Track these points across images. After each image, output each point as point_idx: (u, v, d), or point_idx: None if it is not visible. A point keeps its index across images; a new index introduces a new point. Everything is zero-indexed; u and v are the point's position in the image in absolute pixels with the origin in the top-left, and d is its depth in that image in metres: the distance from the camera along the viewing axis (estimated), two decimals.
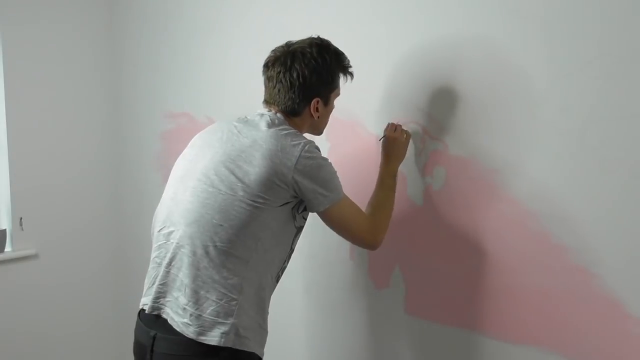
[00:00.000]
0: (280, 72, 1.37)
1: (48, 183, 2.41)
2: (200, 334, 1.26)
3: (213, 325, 1.26)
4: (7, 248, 2.32)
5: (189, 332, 1.27)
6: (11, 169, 2.29)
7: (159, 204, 1.44)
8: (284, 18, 1.83)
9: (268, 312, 1.39)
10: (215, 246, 1.27)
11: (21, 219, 2.33)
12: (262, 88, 1.44)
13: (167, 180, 1.45)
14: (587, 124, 1.25)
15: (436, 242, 1.53)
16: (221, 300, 1.27)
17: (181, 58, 2.24)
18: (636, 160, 1.19)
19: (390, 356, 1.66)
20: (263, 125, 1.34)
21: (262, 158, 1.28)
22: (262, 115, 1.39)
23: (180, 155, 1.46)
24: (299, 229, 1.41)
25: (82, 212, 2.54)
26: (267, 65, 1.41)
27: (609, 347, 1.24)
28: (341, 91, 1.48)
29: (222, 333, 1.26)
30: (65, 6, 2.43)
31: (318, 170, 1.31)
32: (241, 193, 1.27)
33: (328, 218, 1.37)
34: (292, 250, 1.43)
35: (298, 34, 1.47)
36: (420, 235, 1.56)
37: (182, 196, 1.35)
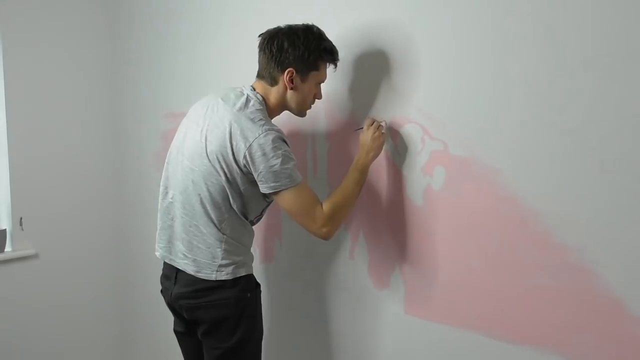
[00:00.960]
0: (266, 40, 1.54)
1: (48, 183, 2.42)
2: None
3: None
4: (7, 248, 2.32)
5: None
6: (11, 169, 2.29)
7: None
8: (286, 19, 1.83)
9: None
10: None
11: (21, 219, 2.33)
12: None
13: None
14: (587, 124, 1.25)
15: (436, 242, 1.53)
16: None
17: (182, 58, 2.24)
18: (636, 160, 1.19)
19: (391, 356, 1.66)
20: (236, 106, 1.51)
21: (222, 136, 1.47)
22: (242, 94, 1.55)
23: (180, 126, 1.66)
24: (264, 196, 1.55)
25: (82, 212, 2.54)
26: (260, 37, 1.57)
27: (609, 347, 1.25)
28: (327, 78, 1.58)
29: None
30: (65, 6, 2.44)
31: (268, 156, 1.43)
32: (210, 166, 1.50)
33: (279, 202, 1.50)
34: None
35: None
36: (420, 235, 1.56)
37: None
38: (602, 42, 1.22)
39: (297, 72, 1.51)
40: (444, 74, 1.48)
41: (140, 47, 2.44)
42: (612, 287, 1.23)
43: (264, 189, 1.47)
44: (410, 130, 1.56)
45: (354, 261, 1.73)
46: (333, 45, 1.55)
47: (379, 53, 1.61)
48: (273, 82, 1.54)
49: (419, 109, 1.54)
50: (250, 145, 1.43)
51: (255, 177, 1.47)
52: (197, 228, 1.53)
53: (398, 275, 1.62)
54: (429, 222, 1.54)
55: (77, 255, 2.53)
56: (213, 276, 1.52)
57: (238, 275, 1.54)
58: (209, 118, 1.53)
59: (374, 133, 1.55)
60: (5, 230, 2.30)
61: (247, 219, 1.57)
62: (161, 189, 1.64)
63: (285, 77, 1.51)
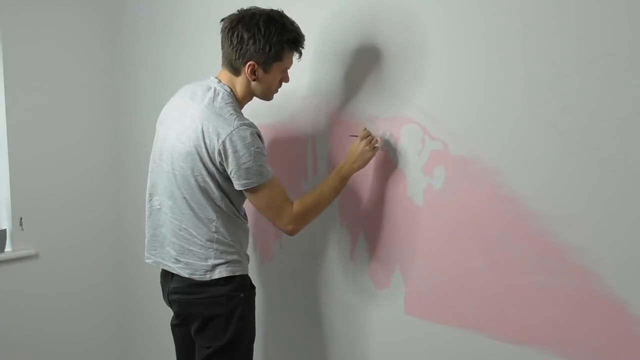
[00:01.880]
0: (227, 28, 1.48)
1: (48, 183, 2.42)
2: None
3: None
4: (7, 248, 2.32)
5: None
6: (11, 169, 2.29)
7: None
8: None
9: None
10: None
11: (21, 219, 2.33)
12: None
13: None
14: (587, 124, 1.25)
15: (436, 242, 1.52)
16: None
17: (183, 58, 2.24)
18: (636, 160, 1.19)
19: (391, 356, 1.66)
20: (204, 101, 1.49)
21: (196, 137, 1.46)
22: (208, 88, 1.52)
23: (156, 132, 1.64)
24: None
25: (82, 212, 2.54)
26: (221, 23, 1.52)
27: (609, 347, 1.24)
28: (292, 64, 1.54)
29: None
30: (65, 6, 2.44)
31: (239, 153, 1.42)
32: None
33: (249, 199, 1.52)
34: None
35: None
36: (420, 235, 1.56)
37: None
38: (602, 42, 1.22)
39: (258, 64, 1.47)
40: (444, 74, 1.48)
41: (141, 47, 2.44)
42: (612, 287, 1.23)
43: (236, 185, 1.48)
44: (410, 130, 1.56)
45: (354, 261, 1.73)
46: (298, 34, 1.49)
47: (380, 53, 1.61)
48: (236, 72, 1.51)
49: (419, 108, 1.54)
50: (223, 141, 1.43)
51: (229, 173, 1.47)
52: (187, 231, 1.54)
53: (398, 276, 1.62)
54: (429, 222, 1.54)
55: (77, 255, 2.53)
56: (207, 276, 1.53)
57: (232, 274, 1.54)
58: (180, 121, 1.52)
59: (365, 146, 1.55)
60: (5, 230, 2.30)
61: (238, 215, 1.58)
62: (147, 195, 1.66)
63: (247, 70, 1.48)
